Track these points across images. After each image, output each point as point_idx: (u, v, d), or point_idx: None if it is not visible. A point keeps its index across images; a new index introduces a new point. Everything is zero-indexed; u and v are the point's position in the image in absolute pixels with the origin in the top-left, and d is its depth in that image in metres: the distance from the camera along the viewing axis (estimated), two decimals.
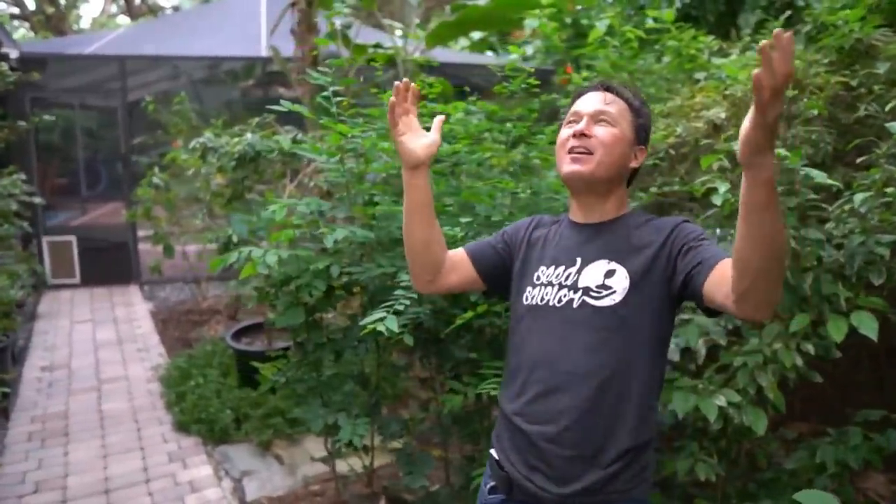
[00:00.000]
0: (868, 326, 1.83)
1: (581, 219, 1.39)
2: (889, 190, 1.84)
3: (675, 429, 2.29)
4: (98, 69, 6.71)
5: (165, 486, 2.92)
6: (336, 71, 2.00)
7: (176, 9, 16.27)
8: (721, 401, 1.95)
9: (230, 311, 5.02)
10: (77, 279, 6.47)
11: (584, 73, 2.93)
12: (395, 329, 1.47)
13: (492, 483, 1.36)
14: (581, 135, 1.30)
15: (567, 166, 1.32)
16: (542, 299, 1.32)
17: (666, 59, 3.47)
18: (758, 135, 0.94)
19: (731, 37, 4.19)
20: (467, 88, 2.79)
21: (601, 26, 3.37)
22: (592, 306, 1.26)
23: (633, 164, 1.36)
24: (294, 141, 2.83)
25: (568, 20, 4.63)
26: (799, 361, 1.95)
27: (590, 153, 1.30)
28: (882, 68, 2.53)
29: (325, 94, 1.96)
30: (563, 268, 1.33)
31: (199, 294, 5.37)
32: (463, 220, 1.80)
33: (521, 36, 8.32)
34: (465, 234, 1.77)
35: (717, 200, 1.92)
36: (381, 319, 1.49)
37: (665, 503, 2.28)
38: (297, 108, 1.93)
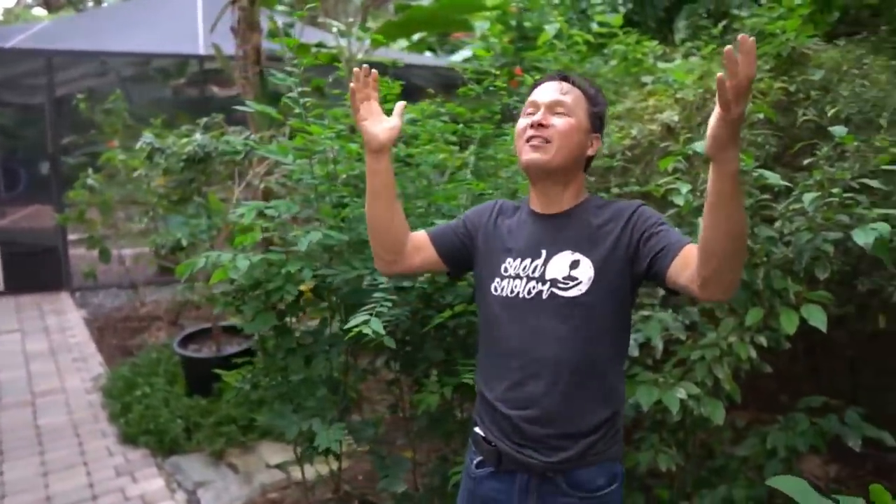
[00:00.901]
0: (817, 319, 1.94)
1: (542, 209, 1.43)
2: (835, 191, 1.96)
3: (635, 422, 2.37)
4: (18, 64, 6.34)
5: (114, 501, 2.80)
6: (297, 71, 1.97)
7: (98, 2, 15.57)
8: (682, 393, 2.03)
9: (171, 317, 4.85)
10: (0, 286, 6.10)
11: (537, 76, 2.97)
12: (381, 331, 1.46)
13: (479, 458, 1.43)
14: (539, 125, 1.35)
15: (526, 155, 1.37)
16: (513, 291, 1.38)
17: (613, 62, 3.57)
18: (723, 131, 1.02)
19: (668, 41, 4.35)
20: (431, 90, 2.79)
21: (551, 30, 3.44)
22: (561, 297, 1.33)
23: (590, 152, 1.41)
24: (248, 141, 2.76)
25: (513, 23, 4.69)
26: (753, 353, 2.05)
27: (548, 142, 1.35)
28: (817, 75, 2.69)
29: (290, 94, 1.92)
30: (529, 260, 1.38)
31: (136, 300, 5.16)
32: (438, 221, 1.80)
33: (462, 37, 8.39)
34: None
35: (678, 200, 1.99)
36: (366, 322, 1.48)
37: (625, 495, 2.34)
38: (262, 108, 1.89)
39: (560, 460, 1.33)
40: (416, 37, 6.92)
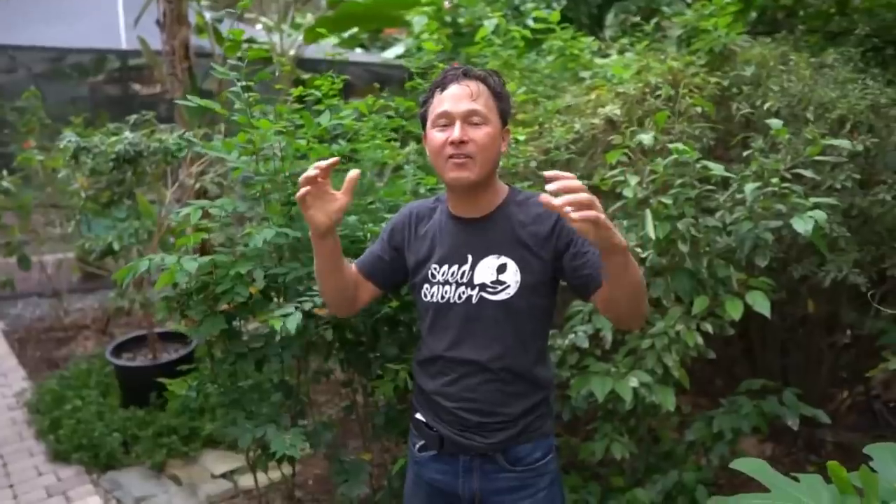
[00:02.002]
0: (762, 305, 2.02)
1: (463, 213, 1.44)
2: (774, 181, 2.04)
3: (587, 412, 2.40)
4: None
5: None
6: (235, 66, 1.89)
7: None
8: (634, 382, 2.07)
9: (100, 326, 4.61)
10: None
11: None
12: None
13: (421, 442, 1.51)
14: (459, 142, 1.33)
15: (451, 174, 1.36)
16: (443, 297, 1.43)
17: (549, 58, 3.61)
18: (600, 236, 1.10)
19: (599, 38, 4.44)
20: (378, 88, 2.75)
21: (489, 25, 3.44)
22: (490, 301, 1.39)
23: (503, 149, 1.42)
24: (189, 139, 2.65)
25: (448, 19, 4.68)
26: (700, 340, 2.11)
27: (469, 157, 1.34)
28: (748, 71, 2.80)
29: (233, 89, 1.85)
30: (455, 266, 1.42)
31: (59, 309, 4.87)
32: (387, 216, 1.77)
33: (392, 33, 8.33)
34: None
35: (627, 193, 2.03)
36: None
37: (581, 486, 2.37)
38: (206, 102, 1.81)
39: (500, 440, 1.43)
40: (346, 33, 6.84)
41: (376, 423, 1.86)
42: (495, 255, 1.39)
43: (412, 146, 2.65)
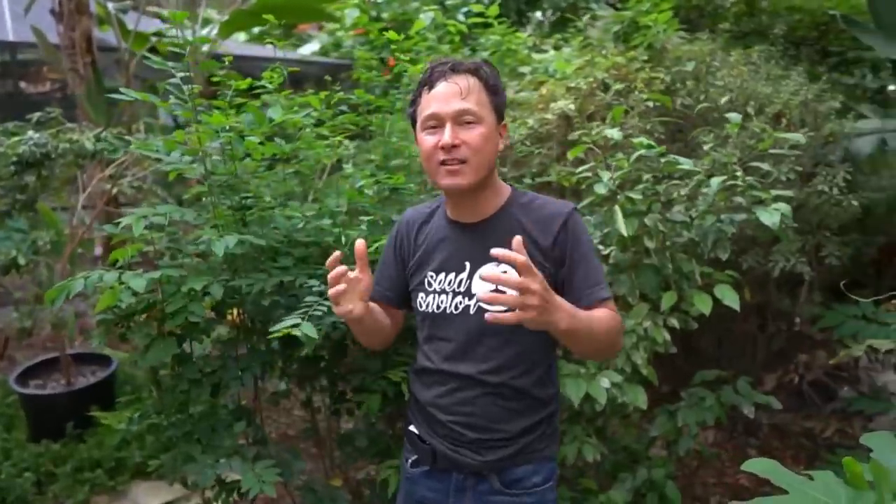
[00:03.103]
0: (730, 298, 2.02)
1: (461, 217, 1.36)
2: (738, 174, 2.04)
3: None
4: None
5: None
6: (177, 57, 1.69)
7: None
8: (606, 383, 2.02)
9: None
10: None
11: (419, 66, 2.86)
12: (314, 335, 1.28)
13: (413, 457, 1.42)
14: (451, 147, 1.24)
15: (445, 180, 1.28)
16: (439, 307, 1.34)
17: (485, 53, 3.54)
18: (537, 324, 1.08)
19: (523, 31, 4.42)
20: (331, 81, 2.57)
21: (426, 19, 3.33)
22: (488, 311, 1.25)
23: (502, 145, 1.33)
24: (99, 139, 2.38)
25: (373, 13, 4.54)
26: (667, 337, 2.09)
27: (464, 162, 1.25)
28: (690, 66, 2.83)
29: (172, 80, 1.64)
30: (453, 274, 1.34)
31: None
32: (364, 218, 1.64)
33: (306, 29, 8.05)
34: (368, 233, 1.62)
35: (600, 189, 1.97)
36: (297, 325, 1.28)
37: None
38: (142, 95, 1.60)
39: (496, 459, 1.33)
40: (257, 29, 6.53)
41: (357, 445, 1.70)
42: (495, 263, 1.28)
43: (348, 144, 2.50)
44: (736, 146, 2.37)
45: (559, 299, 1.12)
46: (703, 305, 2.01)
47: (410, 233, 1.43)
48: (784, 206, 1.93)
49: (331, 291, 1.19)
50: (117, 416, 1.77)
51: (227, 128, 1.61)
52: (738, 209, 2.11)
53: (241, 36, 6.97)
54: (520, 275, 1.04)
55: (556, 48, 3.61)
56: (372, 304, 1.36)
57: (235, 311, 1.75)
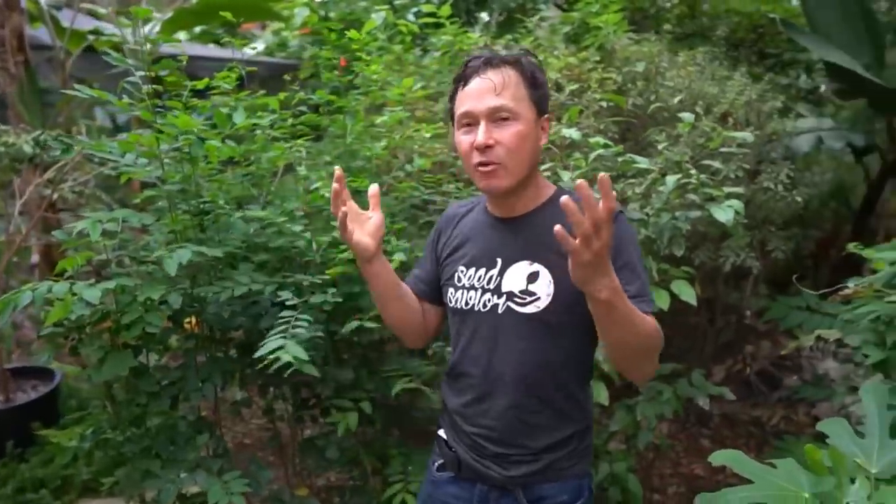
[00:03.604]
0: (687, 294, 2.07)
1: (499, 212, 1.30)
2: (693, 172, 2.09)
3: None
4: None
5: None
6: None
7: None
8: None
9: None
10: None
11: (374, 67, 2.83)
12: (304, 357, 1.24)
13: (440, 461, 1.37)
14: (484, 147, 1.17)
15: (481, 182, 1.22)
16: (467, 304, 1.27)
17: (436, 53, 3.53)
18: (579, 273, 0.98)
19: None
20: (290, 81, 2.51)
21: (377, 18, 3.30)
22: (517, 313, 1.22)
23: (544, 141, 1.25)
24: (39, 142, 2.27)
25: (322, 13, 4.47)
26: None
27: (499, 164, 1.18)
28: (640, 66, 2.89)
29: (130, 79, 1.58)
30: (483, 270, 1.27)
31: None
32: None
33: (250, 28, 7.89)
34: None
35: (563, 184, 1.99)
36: (281, 348, 1.24)
37: None
38: (98, 93, 1.53)
39: (521, 474, 1.25)
40: (198, 28, 6.36)
41: (328, 456, 1.66)
42: (528, 262, 1.22)
43: (299, 142, 2.45)
44: (687, 145, 2.43)
45: (612, 271, 1.01)
46: (662, 301, 2.05)
47: (448, 227, 1.38)
48: (737, 203, 1.98)
49: (338, 213, 1.17)
50: (67, 433, 1.68)
51: (190, 130, 1.55)
52: (691, 206, 2.17)
53: (183, 35, 6.78)
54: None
55: (507, 48, 3.63)
56: (403, 285, 1.36)
57: (193, 319, 1.69)
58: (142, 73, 1.55)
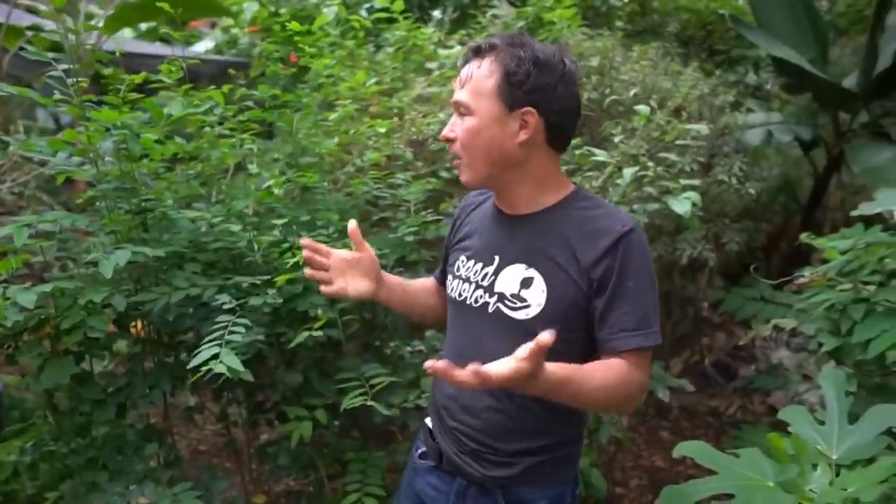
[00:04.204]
0: None
1: (503, 207, 1.24)
2: (650, 164, 2.10)
3: None
4: None
5: None
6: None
7: None
8: None
9: None
10: None
11: (324, 62, 2.77)
12: (239, 366, 1.18)
13: (422, 449, 1.36)
14: (446, 140, 1.18)
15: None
16: (461, 295, 1.25)
17: (390, 49, 3.48)
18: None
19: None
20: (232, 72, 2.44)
21: (329, 13, 3.23)
22: (506, 316, 1.18)
23: (522, 136, 1.13)
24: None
25: (272, 9, 4.37)
26: None
27: (460, 158, 1.17)
28: (595, 61, 2.90)
29: (53, 73, 1.49)
30: (480, 265, 1.23)
31: None
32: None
33: (198, 26, 7.69)
34: (282, 237, 1.53)
35: None
36: (215, 357, 1.18)
37: None
38: (20, 90, 1.44)
39: (498, 476, 1.21)
40: (144, 25, 6.17)
41: (280, 463, 1.60)
42: (524, 265, 1.16)
43: (247, 137, 2.38)
44: (642, 138, 2.44)
45: (545, 369, 0.97)
46: None
47: (462, 214, 1.36)
48: (694, 195, 2.00)
49: (311, 273, 1.21)
50: (6, 447, 1.58)
51: (120, 125, 1.47)
52: (648, 199, 2.17)
53: (128, 32, 6.56)
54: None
55: (462, 44, 3.61)
56: (407, 282, 1.40)
57: (139, 323, 1.61)
58: (65, 66, 1.46)
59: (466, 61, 1.17)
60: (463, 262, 1.26)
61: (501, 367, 0.93)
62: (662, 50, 3.45)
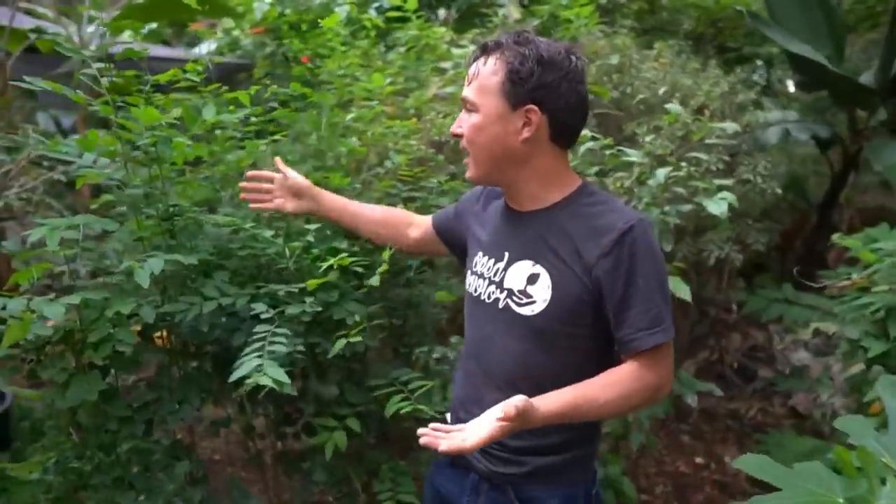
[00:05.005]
0: (684, 291, 2.01)
1: (513, 204, 1.26)
2: (683, 164, 2.04)
3: None
4: None
5: None
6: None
7: None
8: None
9: None
10: None
11: (340, 62, 2.70)
12: (285, 378, 1.12)
13: None
14: (454, 135, 1.22)
15: None
16: (476, 290, 1.27)
17: (402, 49, 3.42)
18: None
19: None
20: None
21: (341, 12, 3.17)
22: (514, 312, 1.19)
23: (525, 134, 1.14)
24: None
25: (279, 9, 4.31)
26: None
27: (467, 153, 1.20)
28: (615, 59, 2.84)
29: (86, 71, 1.43)
30: (493, 261, 1.25)
31: None
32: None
33: (200, 27, 7.61)
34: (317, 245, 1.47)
35: None
36: (259, 368, 1.12)
37: None
38: (56, 86, 1.37)
39: (508, 473, 1.22)
40: (146, 27, 6.10)
41: (315, 479, 1.54)
42: (531, 261, 1.18)
43: (274, 139, 2.32)
44: (667, 137, 2.39)
45: (537, 410, 1.03)
46: None
47: (482, 198, 1.37)
48: (730, 196, 1.94)
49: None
50: (26, 466, 1.51)
51: (160, 125, 1.41)
52: (676, 200, 2.12)
53: (128, 35, 6.49)
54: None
55: (475, 43, 3.55)
56: (353, 208, 1.48)
57: (164, 333, 1.55)
58: (100, 64, 1.40)
59: (474, 59, 1.19)
60: (480, 256, 1.29)
61: (480, 431, 1.00)
62: (677, 48, 3.40)
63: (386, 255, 1.45)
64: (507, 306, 1.19)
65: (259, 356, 1.16)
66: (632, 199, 2.11)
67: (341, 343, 1.36)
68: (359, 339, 1.35)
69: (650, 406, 1.20)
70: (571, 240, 1.15)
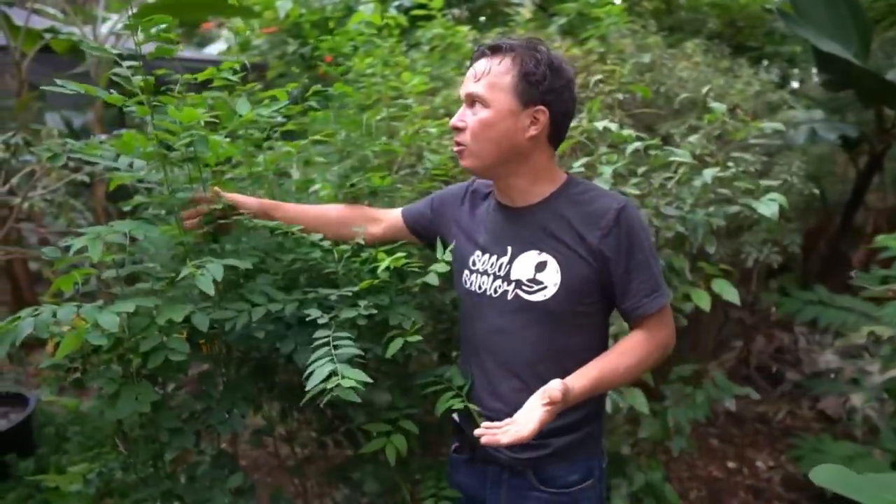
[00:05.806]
0: (730, 293, 1.97)
1: (506, 201, 1.34)
2: (730, 164, 2.00)
3: None
4: None
5: None
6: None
7: None
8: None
9: None
10: None
11: (367, 60, 2.65)
12: (367, 379, 1.10)
13: (457, 443, 1.44)
14: (454, 128, 1.28)
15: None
16: (480, 287, 1.33)
17: (425, 48, 3.38)
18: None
19: None
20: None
21: (366, 11, 3.12)
22: (525, 300, 1.27)
23: (532, 132, 1.24)
24: (9, 145, 2.03)
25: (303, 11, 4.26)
26: None
27: (465, 146, 1.26)
28: (647, 58, 2.80)
29: (118, 70, 1.38)
30: (495, 257, 1.32)
31: None
32: None
33: (210, 28, 7.57)
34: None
35: (602, 184, 1.86)
36: (333, 374, 1.08)
37: None
38: (88, 88, 1.33)
39: (529, 457, 1.29)
40: (154, 28, 6.04)
41: (366, 490, 1.49)
42: (536, 251, 1.27)
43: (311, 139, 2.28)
44: (705, 136, 2.34)
45: (573, 389, 1.15)
46: (703, 302, 1.95)
47: (466, 199, 1.43)
48: (780, 197, 1.90)
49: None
50: (70, 477, 1.46)
51: (199, 125, 1.37)
52: (717, 201, 2.07)
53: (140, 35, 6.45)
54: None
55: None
56: (313, 212, 1.53)
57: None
58: (134, 62, 1.35)
59: (482, 56, 1.25)
60: (478, 255, 1.35)
61: (532, 416, 1.10)
62: (705, 46, 3.35)
63: (447, 255, 1.40)
64: (516, 297, 1.27)
65: (331, 360, 1.11)
66: (673, 201, 2.07)
67: (398, 343, 1.32)
68: (418, 338, 1.31)
69: (663, 358, 1.30)
70: (571, 225, 1.25)
